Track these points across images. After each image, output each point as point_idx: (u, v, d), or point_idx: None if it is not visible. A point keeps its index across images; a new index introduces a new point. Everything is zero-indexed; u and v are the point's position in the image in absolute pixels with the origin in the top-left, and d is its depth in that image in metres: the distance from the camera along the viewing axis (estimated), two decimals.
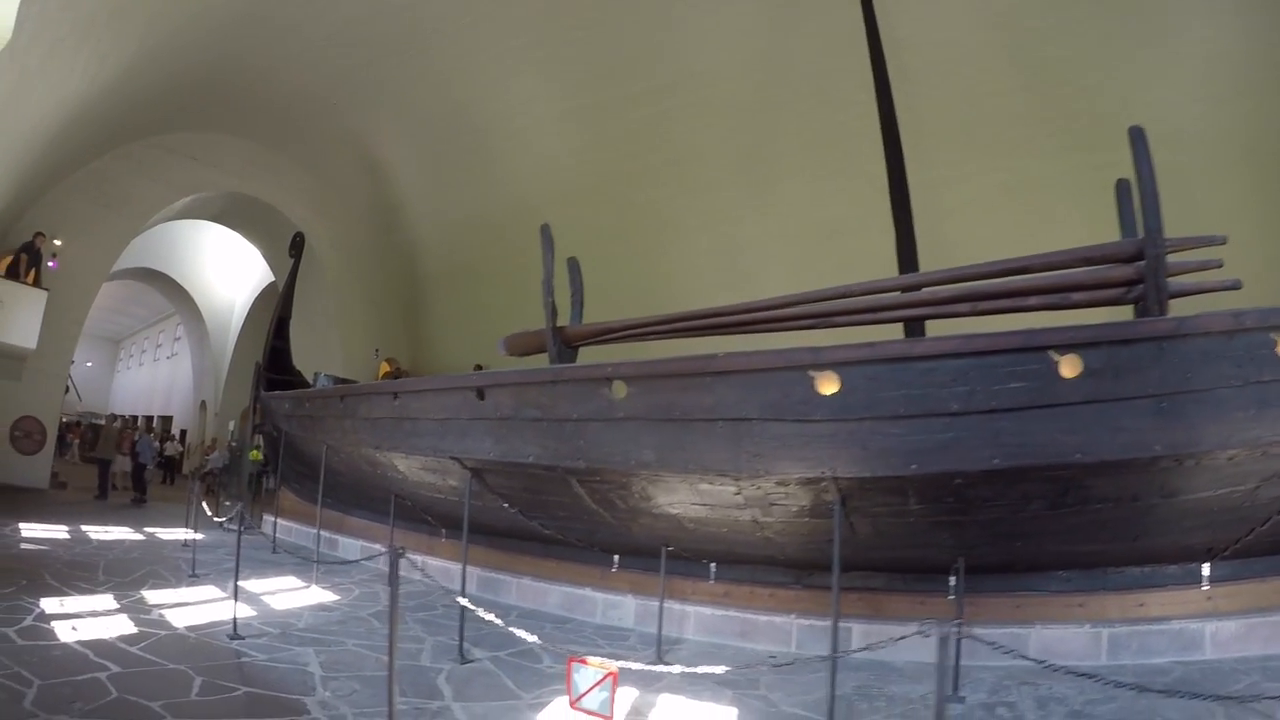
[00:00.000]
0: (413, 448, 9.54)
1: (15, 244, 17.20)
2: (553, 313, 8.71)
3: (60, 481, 19.48)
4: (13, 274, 16.66)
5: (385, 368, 23.08)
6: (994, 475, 5.86)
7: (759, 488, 6.86)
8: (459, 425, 8.74)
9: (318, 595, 9.42)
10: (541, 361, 8.88)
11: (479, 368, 20.28)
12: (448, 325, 23.82)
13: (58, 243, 18.22)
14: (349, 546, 12.45)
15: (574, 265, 9.24)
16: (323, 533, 12.61)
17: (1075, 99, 12.27)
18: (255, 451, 19.20)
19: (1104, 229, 11.62)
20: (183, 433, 32.87)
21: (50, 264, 18.03)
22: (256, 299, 29.80)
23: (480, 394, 8.45)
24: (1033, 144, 12.79)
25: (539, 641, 5.27)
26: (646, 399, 7.17)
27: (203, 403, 32.65)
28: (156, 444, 23.80)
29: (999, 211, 12.61)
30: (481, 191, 20.69)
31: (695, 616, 8.15)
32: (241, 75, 17.69)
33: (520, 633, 5.15)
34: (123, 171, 19.61)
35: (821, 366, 6.21)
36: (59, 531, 12.38)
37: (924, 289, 7.30)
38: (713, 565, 8.51)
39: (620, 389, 7.30)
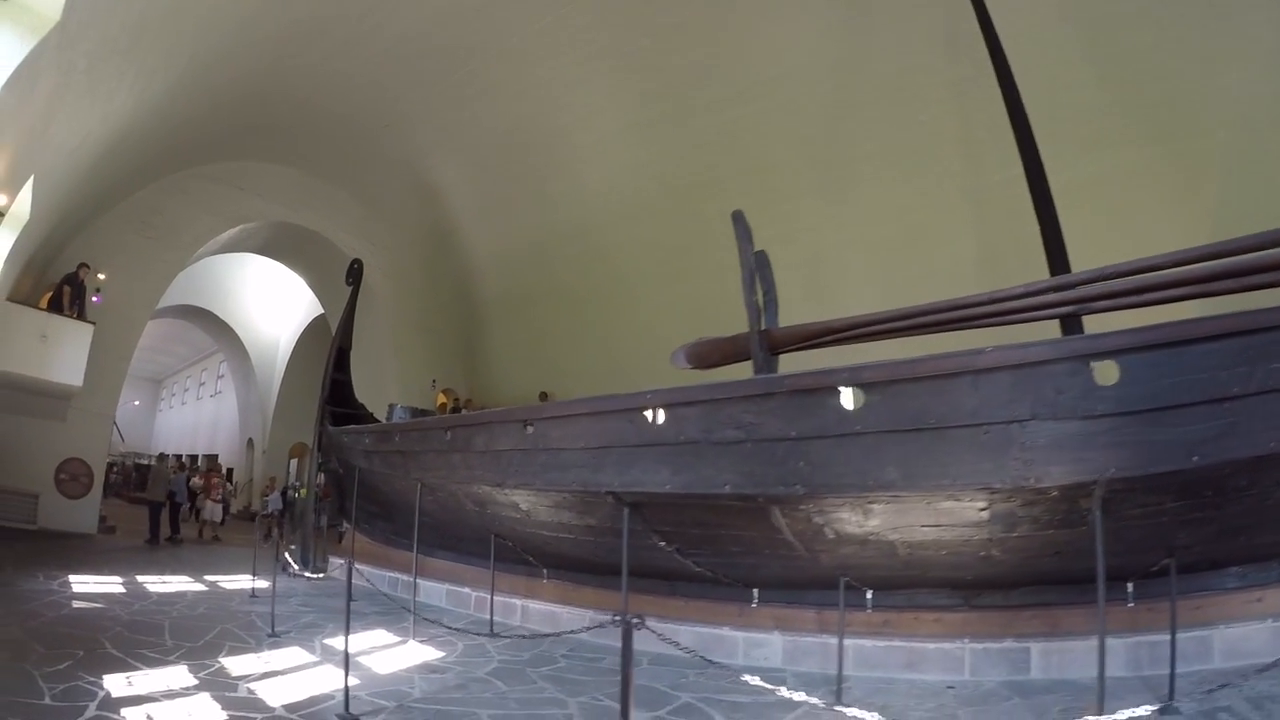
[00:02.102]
0: (550, 482, 8.26)
1: (58, 276, 16.31)
2: (757, 314, 7.48)
3: (108, 526, 18.41)
4: (55, 307, 15.71)
5: (442, 399, 22.13)
6: (1264, 461, 5.35)
7: (1014, 499, 5.92)
8: (620, 454, 7.50)
9: (420, 652, 8.13)
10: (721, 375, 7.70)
11: (544, 396, 19.22)
12: (507, 353, 22.90)
13: (102, 276, 17.31)
14: (432, 590, 11.18)
15: (764, 259, 7.93)
16: (403, 577, 11.55)
17: (1151, 87, 11.69)
18: (303, 489, 18.21)
19: (1188, 219, 11.04)
20: (229, 471, 31.93)
21: (94, 299, 17.08)
22: (303, 333, 29.04)
23: (654, 415, 7.26)
24: (1111, 136, 12.15)
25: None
26: (891, 406, 6.04)
27: (249, 440, 31.85)
28: (199, 482, 22.90)
29: (1081, 207, 11.97)
30: (541, 212, 19.84)
31: (854, 650, 7.13)
32: (289, 99, 16.90)
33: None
34: (168, 202, 18.83)
35: (1101, 355, 5.44)
36: (113, 584, 11.19)
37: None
38: (869, 593, 7.55)
39: (856, 398, 6.16)
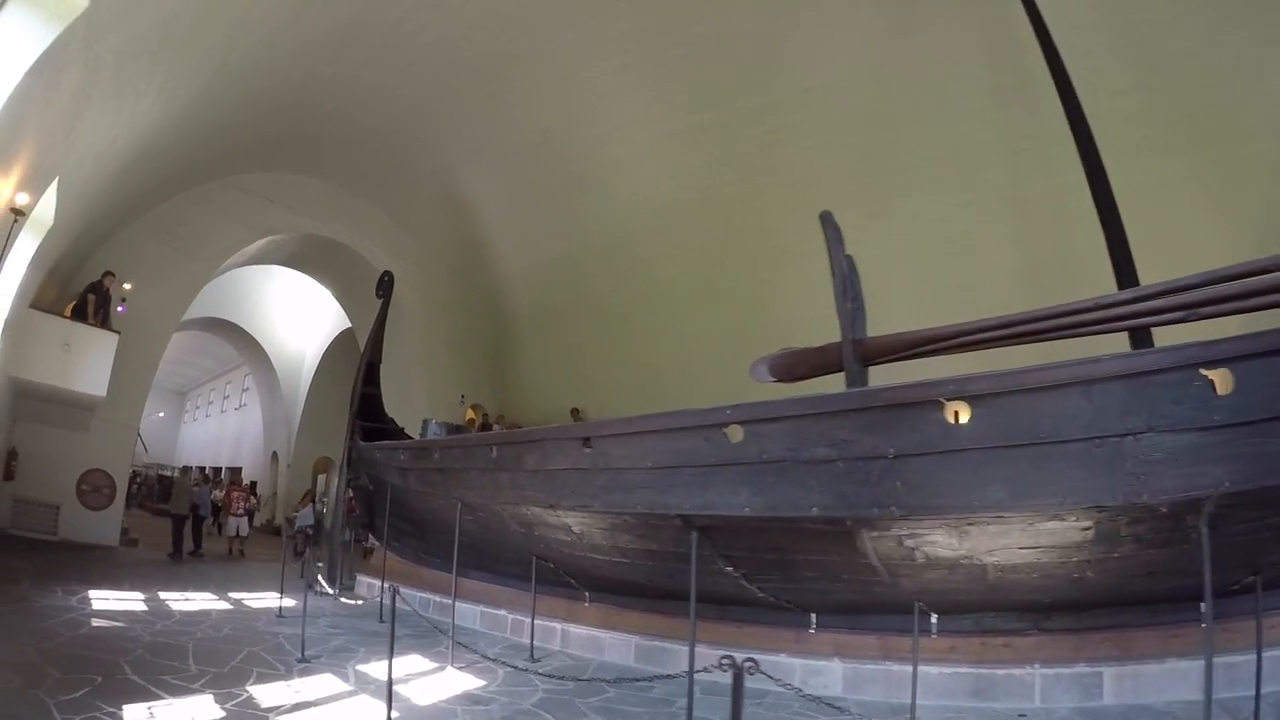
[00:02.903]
0: (610, 504, 7.73)
1: (82, 284, 16.03)
2: (850, 322, 6.93)
3: (130, 538, 18.02)
4: (80, 316, 15.41)
5: (471, 414, 21.71)
6: None
7: (1121, 517, 5.56)
8: (693, 475, 6.99)
9: (459, 681, 7.63)
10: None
11: (576, 412, 18.76)
12: (538, 368, 22.46)
13: (127, 286, 16.96)
14: (466, 612, 10.66)
15: (851, 264, 7.39)
16: (434, 598, 11.17)
17: (1193, 93, 11.40)
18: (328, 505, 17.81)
19: (1234, 227, 10.98)
20: (253, 484, 31.65)
21: (119, 309, 16.73)
22: (330, 346, 28.75)
23: (733, 432, 6.76)
24: (1154, 143, 11.75)
25: None
26: (998, 420, 5.60)
27: (274, 454, 31.55)
28: (219, 494, 22.59)
29: (1127, 216, 11.53)
30: (573, 224, 19.44)
31: (920, 677, 6.72)
32: (320, 109, 16.63)
33: None
34: (195, 213, 18.53)
35: (1217, 362, 5.12)
36: (134, 601, 10.74)
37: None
38: (934, 618, 7.22)
39: (961, 411, 5.69)
